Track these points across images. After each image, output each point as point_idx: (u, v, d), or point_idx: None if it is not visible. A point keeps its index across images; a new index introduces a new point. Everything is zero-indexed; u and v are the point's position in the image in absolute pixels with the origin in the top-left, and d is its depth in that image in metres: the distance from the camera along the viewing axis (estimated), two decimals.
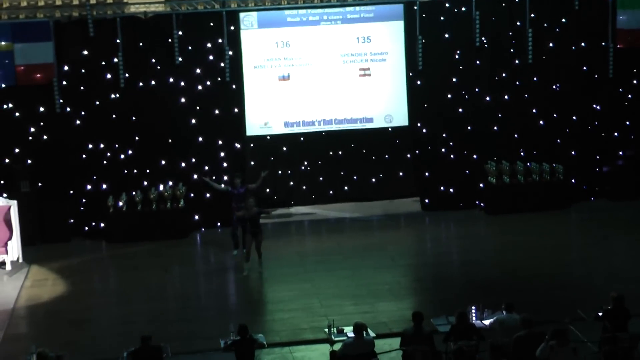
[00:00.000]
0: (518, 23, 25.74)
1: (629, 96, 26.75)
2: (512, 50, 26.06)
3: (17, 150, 24.98)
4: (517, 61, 26.08)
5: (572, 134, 26.70)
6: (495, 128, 26.54)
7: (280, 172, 26.70)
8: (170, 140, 25.48)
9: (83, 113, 25.02)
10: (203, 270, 22.44)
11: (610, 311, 16.46)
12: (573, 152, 26.71)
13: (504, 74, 26.23)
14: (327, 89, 25.77)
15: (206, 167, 25.63)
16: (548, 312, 18.83)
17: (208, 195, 25.54)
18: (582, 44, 26.36)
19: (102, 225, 25.17)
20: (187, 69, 25.04)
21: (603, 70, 26.17)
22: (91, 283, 22.22)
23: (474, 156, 26.48)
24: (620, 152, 26.92)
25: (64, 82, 24.59)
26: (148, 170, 25.45)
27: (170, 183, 25.29)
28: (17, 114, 24.83)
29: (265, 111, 25.73)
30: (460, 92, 26.27)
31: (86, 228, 25.41)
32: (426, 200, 26.59)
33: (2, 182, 24.88)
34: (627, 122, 26.87)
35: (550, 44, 26.13)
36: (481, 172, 26.33)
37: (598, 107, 26.72)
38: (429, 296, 20.48)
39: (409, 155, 26.88)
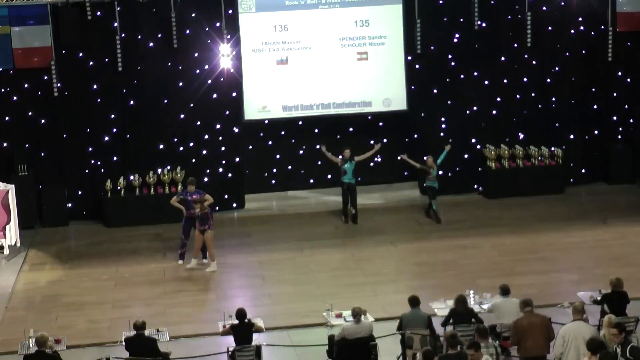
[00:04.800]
0: (517, 6, 25.63)
1: (628, 80, 26.70)
2: (510, 33, 25.97)
3: (15, 134, 24.92)
4: (516, 44, 25.99)
5: (571, 118, 26.67)
6: (494, 112, 26.50)
7: (278, 156, 26.65)
8: (168, 124, 25.43)
9: (81, 97, 24.95)
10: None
11: (609, 295, 16.48)
12: (572, 136, 26.69)
13: (502, 58, 26.16)
14: (325, 73, 25.70)
15: (204, 151, 25.61)
16: (547, 295, 18.87)
17: (206, 179, 25.51)
18: (581, 27, 26.29)
19: (100, 209, 25.15)
20: (185, 53, 24.95)
21: (602, 53, 26.08)
22: (89, 267, 22.18)
23: (473, 140, 26.45)
24: (619, 137, 26.93)
25: (62, 66, 24.48)
26: (146, 154, 25.40)
27: (169, 167, 25.24)
28: (15, 97, 24.77)
29: (264, 95, 25.67)
30: (459, 75, 26.21)
31: (84, 212, 25.40)
32: (425, 184, 26.53)
33: None
34: (626, 106, 26.84)
35: (549, 27, 26.05)
36: (480, 156, 26.30)
37: (597, 91, 26.68)
38: (427, 280, 20.48)
39: (407, 139, 26.83)
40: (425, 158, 24.47)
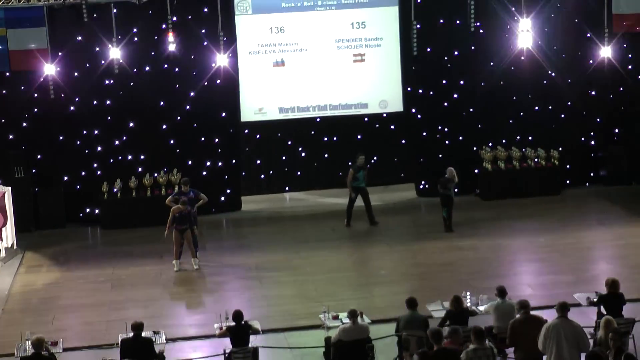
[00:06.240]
0: (513, 8, 25.63)
1: (624, 82, 26.70)
2: (507, 35, 25.97)
3: (11, 136, 24.93)
4: (511, 46, 25.99)
5: (567, 120, 26.70)
6: (491, 113, 26.51)
7: (274, 158, 26.65)
8: (164, 127, 25.44)
9: (77, 99, 24.96)
10: (198, 255, 22.32)
11: (605, 296, 16.49)
12: (568, 138, 26.70)
13: (498, 59, 26.14)
14: (321, 75, 25.71)
15: (201, 153, 25.61)
16: (543, 297, 18.87)
17: (202, 181, 25.47)
18: (577, 29, 26.29)
19: (97, 211, 25.16)
20: (182, 55, 24.94)
21: (598, 55, 26.08)
22: (86, 269, 22.16)
23: (469, 142, 26.46)
24: (615, 139, 26.94)
25: (58, 68, 24.48)
26: (142, 157, 25.43)
27: (165, 169, 25.23)
28: (11, 99, 24.76)
29: (260, 97, 25.68)
30: (455, 77, 26.23)
31: (81, 214, 25.40)
32: (421, 186, 26.58)
33: None
34: (622, 108, 26.86)
35: (546, 29, 26.06)
36: (476, 158, 26.32)
37: (593, 93, 26.71)
38: (424, 281, 20.47)
39: (403, 141, 26.86)
40: (447, 170, 23.81)
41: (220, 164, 25.79)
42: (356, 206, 24.36)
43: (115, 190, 24.91)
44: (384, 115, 26.35)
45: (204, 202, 22.18)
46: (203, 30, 25.05)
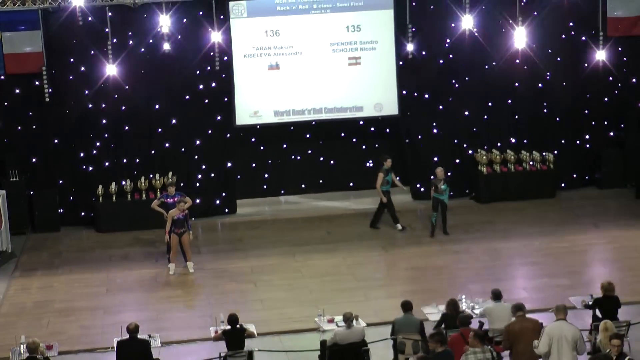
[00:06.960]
0: (508, 11, 25.59)
1: (619, 84, 26.74)
2: (501, 38, 25.97)
3: (6, 139, 24.90)
4: (507, 49, 25.99)
5: (562, 122, 26.72)
6: (486, 116, 26.53)
7: (270, 161, 26.65)
8: (159, 130, 25.43)
9: (72, 102, 24.94)
10: (193, 259, 22.31)
11: (601, 299, 16.51)
12: (563, 141, 26.73)
13: (494, 62, 26.17)
14: (316, 78, 25.68)
15: (196, 157, 25.61)
16: (539, 300, 18.89)
17: (198, 184, 25.51)
18: (572, 32, 26.34)
19: (92, 214, 25.13)
20: (177, 58, 24.92)
21: (593, 58, 26.09)
22: (81, 272, 22.14)
23: (465, 145, 26.48)
24: (610, 142, 26.98)
25: (53, 71, 24.47)
26: (137, 160, 25.41)
27: (160, 172, 25.19)
28: (6, 103, 24.74)
29: (255, 100, 25.65)
30: (450, 80, 26.24)
31: (76, 217, 25.36)
32: (416, 189, 26.56)
33: None
34: (617, 110, 26.87)
35: (540, 32, 26.06)
36: (472, 161, 26.33)
37: (588, 96, 26.74)
38: (419, 285, 20.48)
39: (398, 144, 26.84)
40: (436, 170, 23.75)
41: (215, 167, 25.77)
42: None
43: (110, 193, 24.88)
44: (379, 118, 26.35)
45: (189, 205, 22.17)
46: (198, 34, 25.02)
